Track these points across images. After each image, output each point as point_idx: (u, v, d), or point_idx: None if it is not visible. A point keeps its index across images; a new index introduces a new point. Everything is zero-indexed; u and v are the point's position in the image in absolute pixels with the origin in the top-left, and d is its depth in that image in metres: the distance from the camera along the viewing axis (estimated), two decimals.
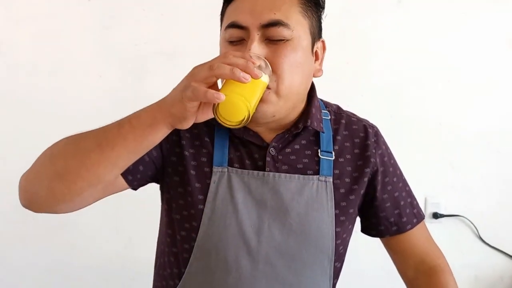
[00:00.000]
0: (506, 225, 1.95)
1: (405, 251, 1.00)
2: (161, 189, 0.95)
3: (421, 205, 1.85)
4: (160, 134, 0.74)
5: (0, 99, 1.68)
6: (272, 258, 0.87)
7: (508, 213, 1.94)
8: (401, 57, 1.83)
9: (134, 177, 0.88)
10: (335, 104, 1.01)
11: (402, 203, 0.98)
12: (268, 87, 0.79)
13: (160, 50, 1.71)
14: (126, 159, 0.76)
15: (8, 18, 1.65)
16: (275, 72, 0.80)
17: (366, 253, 1.53)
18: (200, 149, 0.90)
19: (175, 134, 0.90)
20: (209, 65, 0.69)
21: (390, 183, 0.96)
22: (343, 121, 0.96)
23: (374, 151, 0.94)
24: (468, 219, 1.92)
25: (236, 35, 0.82)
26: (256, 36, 0.80)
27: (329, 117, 0.95)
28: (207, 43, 1.79)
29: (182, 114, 0.71)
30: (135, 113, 0.78)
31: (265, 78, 0.74)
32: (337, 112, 0.98)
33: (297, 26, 0.82)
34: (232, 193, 0.87)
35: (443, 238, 1.94)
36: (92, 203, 0.83)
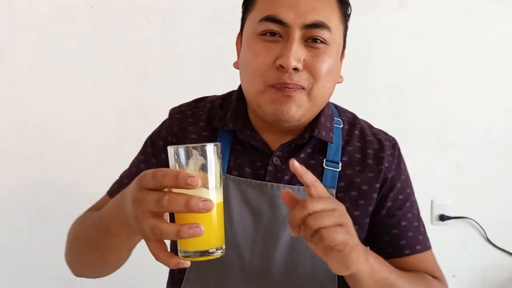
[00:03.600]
0: None
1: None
2: None
3: (427, 207, 1.88)
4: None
5: (1, 105, 1.69)
6: (265, 272, 0.84)
7: None
8: (405, 59, 1.83)
9: None
10: (351, 113, 0.97)
11: (410, 226, 0.90)
12: (302, 88, 0.77)
13: (162, 56, 1.71)
14: (131, 242, 0.75)
15: (11, 25, 1.65)
16: (313, 75, 0.78)
17: None
18: None
19: (165, 145, 0.88)
20: (157, 198, 0.57)
21: (401, 204, 0.90)
22: (357, 131, 0.92)
23: (387, 165, 0.88)
24: (475, 221, 1.90)
25: (273, 30, 0.78)
26: (297, 35, 0.76)
27: (341, 126, 0.91)
28: (209, 48, 1.80)
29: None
30: (109, 215, 0.72)
31: (218, 197, 0.62)
32: (352, 122, 0.93)
33: (336, 30, 0.80)
34: (228, 201, 0.85)
35: (450, 241, 1.95)
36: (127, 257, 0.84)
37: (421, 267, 0.89)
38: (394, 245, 0.88)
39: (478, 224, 1.91)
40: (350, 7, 0.85)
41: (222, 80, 1.70)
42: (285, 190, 0.66)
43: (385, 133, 0.95)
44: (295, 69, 0.76)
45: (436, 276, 0.89)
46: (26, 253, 1.73)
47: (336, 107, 0.96)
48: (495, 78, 1.86)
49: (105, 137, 1.71)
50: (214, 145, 0.61)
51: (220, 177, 0.62)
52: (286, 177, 0.85)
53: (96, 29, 1.68)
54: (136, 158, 0.96)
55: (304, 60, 0.77)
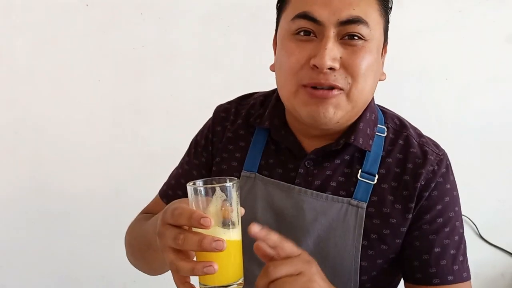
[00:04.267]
0: (506, 223, 1.95)
1: None
2: None
3: None
4: None
5: None
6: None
7: (508, 211, 1.95)
8: (399, 57, 1.83)
9: None
10: (400, 119, 0.88)
11: (445, 253, 0.80)
12: (340, 88, 0.73)
13: (158, 53, 1.71)
14: None
15: (5, 24, 1.65)
16: (350, 74, 0.73)
17: None
18: (233, 153, 0.88)
19: (206, 144, 0.92)
20: (174, 236, 0.59)
21: (438, 227, 0.80)
22: (401, 141, 0.83)
23: (424, 182, 0.79)
24: (468, 218, 1.92)
25: (307, 28, 0.73)
26: (332, 33, 0.72)
27: (385, 134, 0.84)
28: (204, 46, 1.80)
29: None
30: (149, 233, 0.77)
31: (234, 235, 0.62)
32: (398, 130, 0.85)
33: (375, 25, 0.75)
34: (253, 201, 0.83)
35: None
36: None
37: None
38: (423, 272, 0.79)
39: (471, 221, 1.93)
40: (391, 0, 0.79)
41: (218, 78, 1.71)
42: (257, 244, 0.64)
43: (436, 145, 0.86)
44: (331, 68, 0.71)
45: None
46: (22, 251, 1.73)
47: (384, 112, 0.90)
48: (489, 76, 1.87)
49: (101, 135, 1.71)
50: (231, 182, 0.61)
51: (238, 214, 0.62)
52: (317, 183, 0.81)
53: (91, 27, 1.68)
54: (183, 158, 0.97)
55: (340, 58, 0.72)
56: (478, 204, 1.92)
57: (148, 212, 0.98)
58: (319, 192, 0.80)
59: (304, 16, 0.72)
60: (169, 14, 1.70)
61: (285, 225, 0.81)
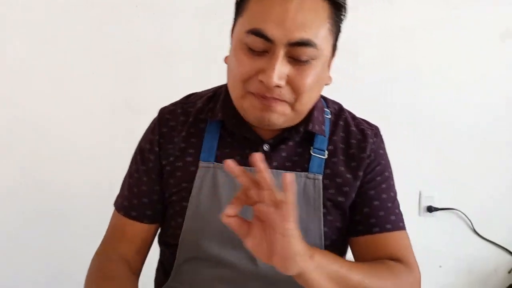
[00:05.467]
0: (500, 218, 1.97)
1: (377, 252, 0.88)
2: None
3: (415, 199, 1.91)
4: None
5: None
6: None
7: (501, 206, 1.96)
8: (394, 54, 1.84)
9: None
10: (337, 104, 0.99)
11: (383, 206, 0.90)
12: (284, 100, 0.78)
13: (153, 49, 1.70)
14: None
15: (0, 20, 1.64)
16: (296, 91, 0.78)
17: None
18: (186, 150, 0.90)
19: (152, 147, 0.91)
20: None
21: (377, 185, 0.91)
22: (341, 122, 0.94)
23: (369, 153, 0.91)
24: (462, 212, 1.93)
25: (259, 45, 0.77)
26: (281, 52, 0.75)
27: (330, 117, 0.94)
28: (200, 41, 1.80)
29: None
30: None
31: None
32: (337, 114, 0.96)
33: (325, 44, 0.79)
34: (216, 188, 0.87)
35: (438, 231, 1.97)
36: None
37: (391, 248, 0.88)
38: (364, 223, 0.89)
39: (465, 216, 1.94)
40: (346, 10, 0.82)
41: (214, 75, 1.69)
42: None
43: (368, 123, 0.97)
44: (278, 86, 0.76)
45: (406, 260, 0.87)
46: (17, 250, 1.73)
47: (324, 98, 0.98)
48: (483, 73, 1.88)
49: (96, 132, 1.70)
50: None
51: None
52: (275, 164, 0.88)
53: (86, 22, 1.67)
54: (130, 167, 0.96)
55: (287, 76, 0.77)
56: (472, 199, 1.94)
57: (113, 233, 0.95)
58: (279, 170, 0.86)
59: (257, 33, 0.76)
60: (164, 10, 1.69)
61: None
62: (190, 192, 0.87)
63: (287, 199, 0.64)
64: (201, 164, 0.88)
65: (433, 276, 1.93)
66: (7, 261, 1.72)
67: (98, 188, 1.66)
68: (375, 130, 0.95)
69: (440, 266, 1.95)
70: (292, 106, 0.80)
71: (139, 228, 0.92)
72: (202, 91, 0.99)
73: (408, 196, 1.90)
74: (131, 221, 0.91)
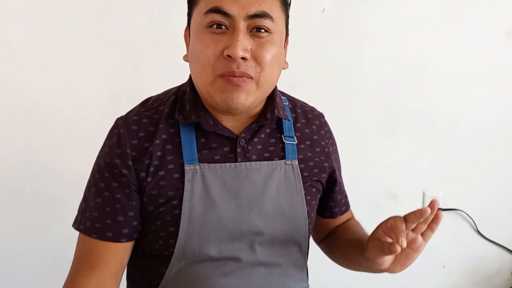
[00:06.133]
0: (504, 219, 1.96)
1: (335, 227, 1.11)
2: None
3: (419, 199, 1.91)
4: None
5: None
6: (255, 244, 0.90)
7: (505, 207, 1.95)
8: (398, 50, 1.83)
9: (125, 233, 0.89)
10: (287, 94, 1.05)
11: (343, 187, 1.09)
12: (250, 77, 0.82)
13: (157, 44, 1.70)
14: None
15: (2, 10, 1.63)
16: (259, 64, 0.82)
17: None
18: (165, 157, 0.88)
19: (124, 161, 0.87)
20: None
21: (336, 169, 1.04)
22: (299, 109, 1.01)
23: (327, 141, 1.01)
24: (465, 213, 1.93)
25: (219, 21, 0.82)
26: (242, 26, 0.81)
27: (287, 104, 1.00)
28: None
29: None
30: None
31: None
32: (292, 101, 1.03)
33: (279, 19, 0.85)
34: (208, 189, 0.87)
35: (441, 232, 1.95)
36: None
37: (346, 218, 1.11)
38: (330, 210, 1.07)
39: (469, 216, 1.93)
40: None
41: None
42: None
43: (316, 109, 1.06)
44: (243, 58, 0.80)
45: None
46: (14, 237, 1.73)
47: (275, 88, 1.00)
48: (487, 71, 1.87)
49: (98, 124, 1.69)
50: None
51: None
52: (254, 157, 0.92)
53: (90, 16, 1.67)
54: (94, 187, 0.90)
55: (250, 49, 0.81)
56: (476, 199, 1.93)
57: (82, 261, 0.88)
58: (260, 161, 0.92)
59: (216, 10, 0.81)
60: (168, 5, 1.69)
61: (243, 198, 0.89)
62: (180, 200, 0.86)
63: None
64: (187, 167, 0.87)
65: (437, 276, 1.92)
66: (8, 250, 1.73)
67: None
68: (324, 118, 1.05)
69: (444, 267, 1.94)
70: (257, 82, 0.83)
71: (115, 249, 0.87)
72: (159, 95, 0.98)
73: (412, 196, 1.89)
74: (106, 243, 0.87)
